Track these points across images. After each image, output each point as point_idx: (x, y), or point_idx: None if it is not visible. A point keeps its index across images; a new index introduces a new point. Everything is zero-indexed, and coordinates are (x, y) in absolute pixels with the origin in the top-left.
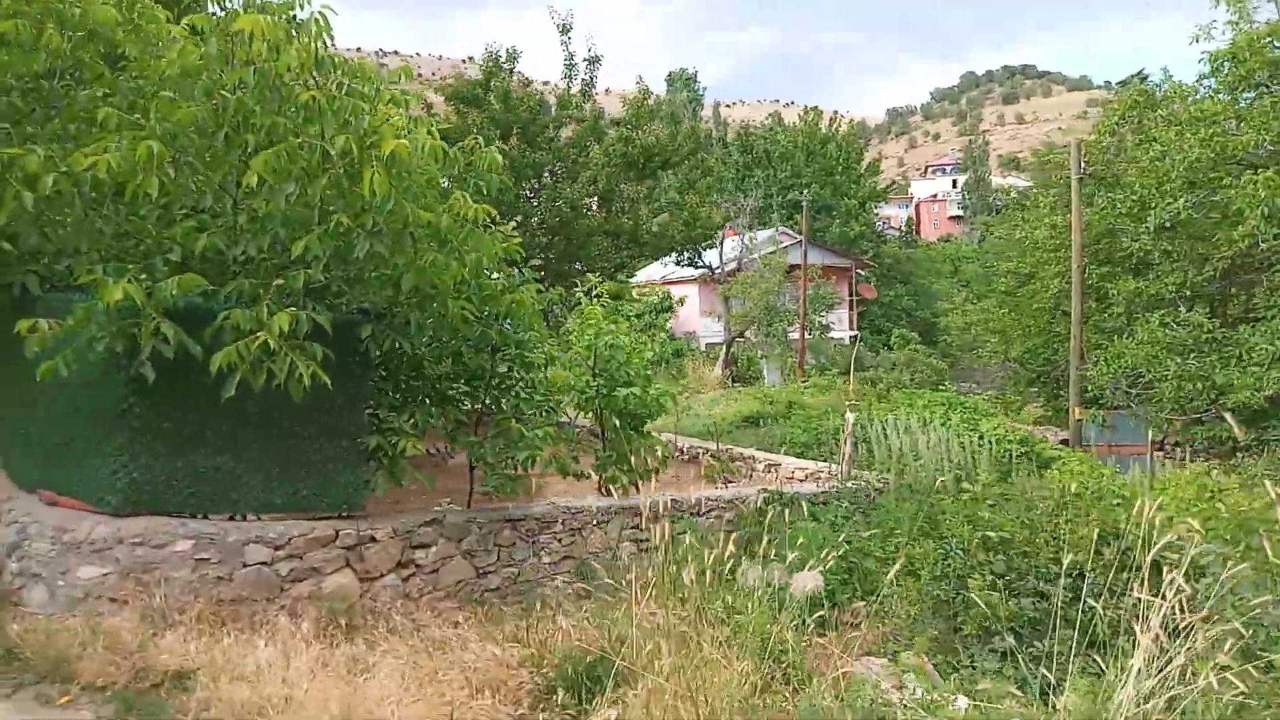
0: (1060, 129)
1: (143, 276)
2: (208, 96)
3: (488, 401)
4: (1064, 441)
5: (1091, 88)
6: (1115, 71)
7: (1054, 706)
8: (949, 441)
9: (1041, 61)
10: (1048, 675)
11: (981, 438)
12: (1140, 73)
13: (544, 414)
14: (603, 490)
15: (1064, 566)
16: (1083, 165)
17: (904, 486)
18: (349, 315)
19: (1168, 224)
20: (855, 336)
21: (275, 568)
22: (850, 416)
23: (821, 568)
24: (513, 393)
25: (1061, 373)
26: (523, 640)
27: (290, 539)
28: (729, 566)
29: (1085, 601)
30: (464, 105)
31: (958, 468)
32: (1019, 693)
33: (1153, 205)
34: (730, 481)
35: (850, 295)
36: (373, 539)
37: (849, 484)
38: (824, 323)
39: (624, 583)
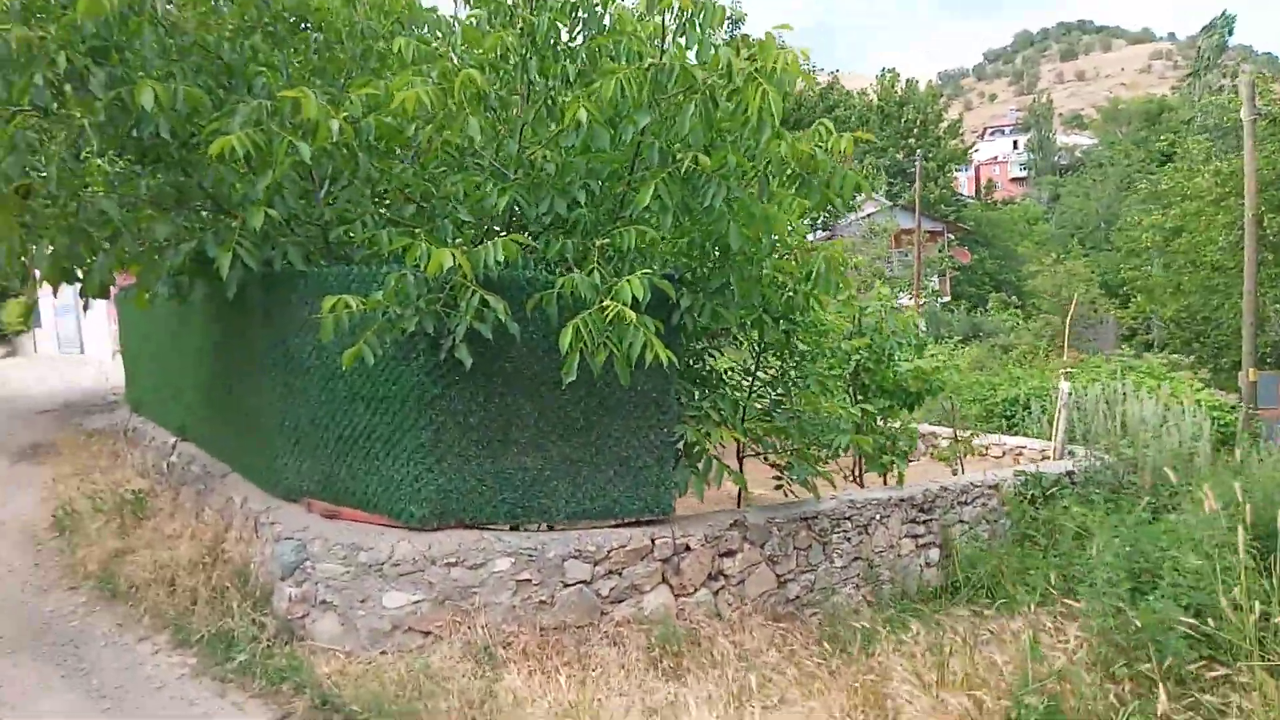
0: (1124, 84)
1: (457, 241)
2: (505, 22)
3: (781, 380)
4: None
5: (1155, 40)
6: (1176, 23)
7: None
8: (1166, 412)
9: (1099, 16)
10: None
11: (1196, 406)
12: (1224, 14)
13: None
14: (858, 479)
15: None
16: (1256, 105)
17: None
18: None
19: None
20: (944, 301)
21: (595, 586)
22: (1065, 386)
23: None
24: (808, 370)
25: (1227, 332)
26: (936, 679)
27: (609, 551)
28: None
29: None
30: None
31: (1192, 440)
32: None
33: None
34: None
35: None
36: (687, 548)
37: (1096, 462)
38: (934, 289)
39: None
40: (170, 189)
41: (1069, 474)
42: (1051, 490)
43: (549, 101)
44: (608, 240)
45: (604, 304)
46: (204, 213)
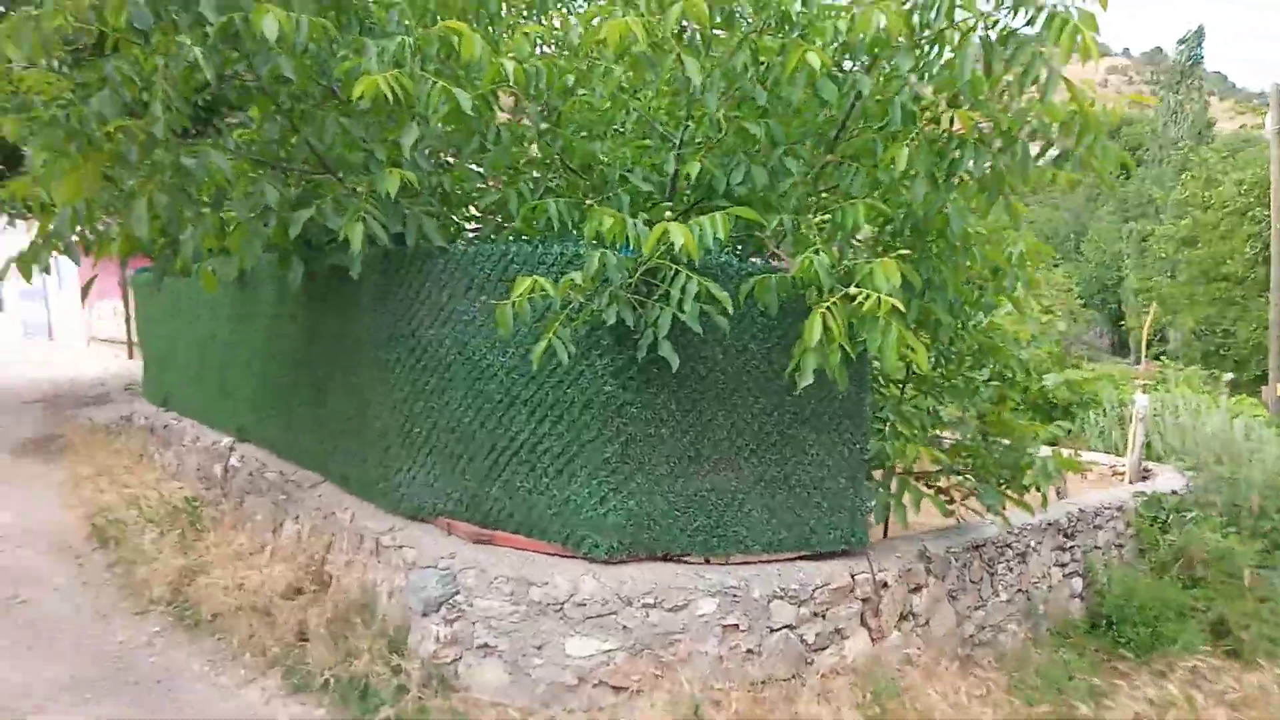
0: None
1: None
2: None
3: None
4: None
5: (1112, 54)
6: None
7: None
8: (1248, 430)
9: None
10: None
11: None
12: (1199, 30)
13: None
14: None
15: None
16: None
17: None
18: None
19: None
20: None
21: (800, 631)
22: (1142, 400)
23: None
24: (975, 380)
25: (1246, 346)
26: None
27: (813, 590)
28: None
29: None
30: None
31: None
32: None
33: None
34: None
35: None
36: (885, 584)
37: (1205, 482)
38: None
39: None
40: (272, 145)
41: (1174, 493)
42: (1172, 513)
43: (752, 47)
44: (827, 216)
45: (849, 292)
46: (303, 175)
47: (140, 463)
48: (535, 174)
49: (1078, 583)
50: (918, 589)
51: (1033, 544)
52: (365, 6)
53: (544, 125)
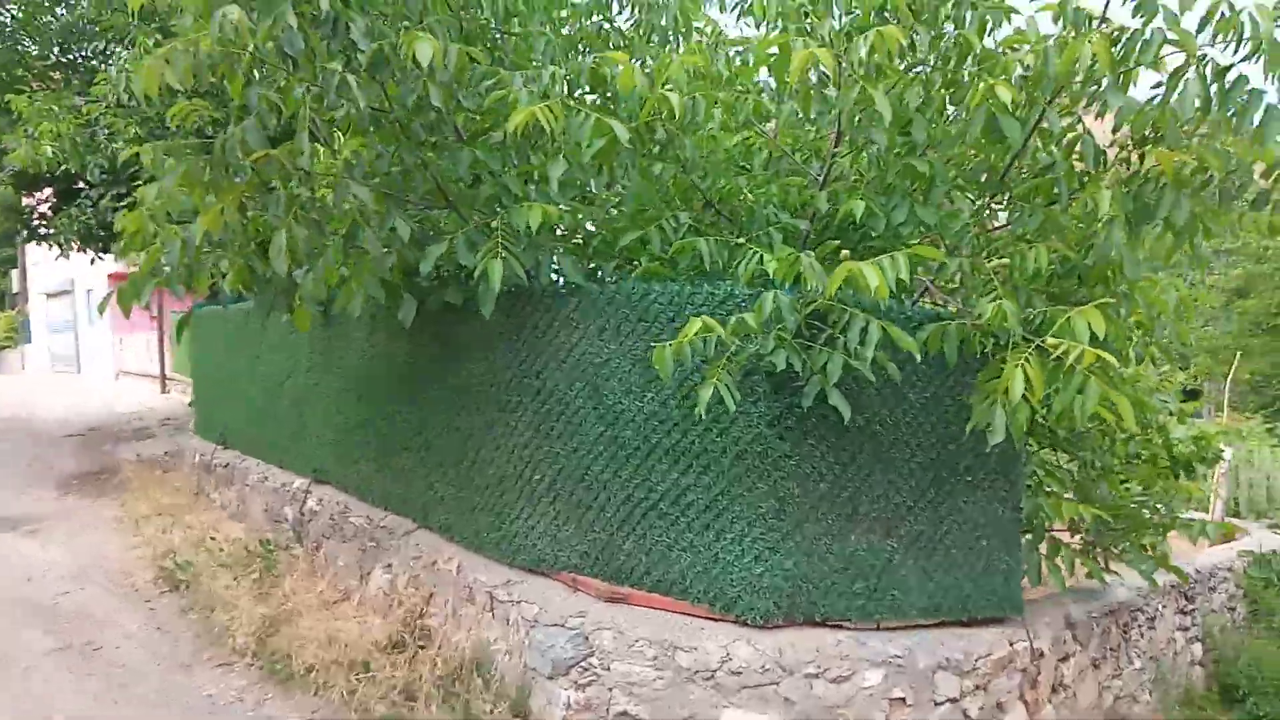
0: None
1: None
2: None
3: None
4: None
5: None
6: None
7: None
8: None
9: None
10: None
11: None
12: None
13: None
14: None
15: None
16: None
17: None
18: None
19: None
20: None
21: (963, 705)
22: (1228, 452)
23: None
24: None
25: None
26: None
27: (975, 660)
28: None
29: None
30: None
31: None
32: None
33: None
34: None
35: None
36: (1042, 654)
37: None
38: None
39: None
40: (396, 177)
41: (1276, 552)
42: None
43: (924, 81)
44: (1005, 260)
45: (1044, 343)
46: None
47: (197, 501)
48: (678, 211)
49: (1198, 649)
50: (1066, 658)
51: (1160, 608)
52: (494, 39)
53: (698, 158)
